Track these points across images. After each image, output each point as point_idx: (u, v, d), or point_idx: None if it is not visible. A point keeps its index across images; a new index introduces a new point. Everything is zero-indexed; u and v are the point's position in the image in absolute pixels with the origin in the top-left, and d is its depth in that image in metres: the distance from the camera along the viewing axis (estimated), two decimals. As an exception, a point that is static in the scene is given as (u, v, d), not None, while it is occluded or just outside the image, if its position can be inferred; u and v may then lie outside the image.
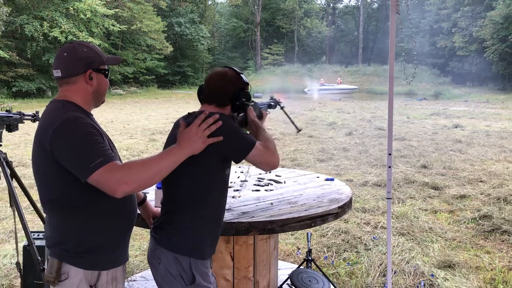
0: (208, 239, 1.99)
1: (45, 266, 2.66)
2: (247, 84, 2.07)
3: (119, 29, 32.54)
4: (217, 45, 56.10)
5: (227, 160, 1.97)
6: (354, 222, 5.11)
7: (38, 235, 3.31)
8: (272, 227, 2.50)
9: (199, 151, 1.81)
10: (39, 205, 2.71)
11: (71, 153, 1.65)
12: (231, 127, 1.91)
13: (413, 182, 6.96)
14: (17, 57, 27.52)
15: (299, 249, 4.45)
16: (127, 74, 35.78)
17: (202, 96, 2.07)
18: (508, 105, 25.73)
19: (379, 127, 14.36)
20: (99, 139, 1.70)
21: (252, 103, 2.28)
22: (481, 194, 6.30)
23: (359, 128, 14.43)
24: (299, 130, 2.76)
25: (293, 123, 2.72)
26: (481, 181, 7.10)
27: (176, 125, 2.02)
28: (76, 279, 1.77)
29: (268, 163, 1.97)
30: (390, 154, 2.85)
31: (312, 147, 10.65)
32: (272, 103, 2.62)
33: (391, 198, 2.89)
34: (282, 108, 2.66)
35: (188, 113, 2.03)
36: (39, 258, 2.78)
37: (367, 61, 56.96)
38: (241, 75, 2.06)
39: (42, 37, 27.95)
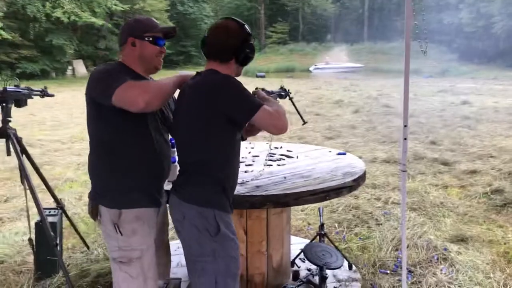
0: (222, 195, 1.98)
1: (57, 242, 2.74)
2: (250, 35, 2.01)
3: (122, 9, 32.23)
4: (221, 24, 55.50)
5: (233, 121, 1.91)
6: (365, 197, 5.08)
7: (50, 211, 3.30)
8: (286, 201, 2.47)
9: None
10: (50, 183, 2.70)
11: (96, 82, 1.93)
12: (237, 88, 1.88)
13: (423, 158, 6.91)
14: (20, 38, 27.36)
15: (309, 224, 4.43)
16: (131, 54, 35.53)
17: (205, 50, 2.02)
18: (516, 81, 25.45)
19: (386, 105, 14.25)
20: (121, 75, 1.92)
21: (265, 91, 2.27)
22: (492, 169, 6.24)
23: (366, 105, 14.32)
24: (305, 122, 2.77)
25: (300, 114, 2.70)
26: (491, 157, 7.04)
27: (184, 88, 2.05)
28: (105, 217, 2.04)
29: (276, 125, 1.91)
30: (406, 126, 2.80)
31: (319, 125, 10.58)
32: (283, 93, 2.58)
33: (406, 171, 2.84)
34: (291, 99, 2.64)
35: (197, 72, 2.05)
36: (52, 234, 2.77)
37: (373, 38, 56.28)
38: (244, 26, 2.00)
39: (44, 18, 27.72)
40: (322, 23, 59.38)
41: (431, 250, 3.68)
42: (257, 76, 33.41)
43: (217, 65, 1.99)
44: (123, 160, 2.02)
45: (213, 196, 1.95)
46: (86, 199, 5.04)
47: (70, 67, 32.04)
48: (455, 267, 3.40)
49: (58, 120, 11.73)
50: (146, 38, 2.07)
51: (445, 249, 3.65)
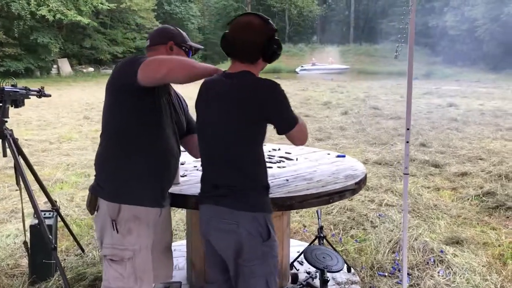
0: (267, 196, 2.03)
1: (55, 245, 2.69)
2: (276, 30, 1.97)
3: (108, 8, 31.91)
4: (207, 24, 55.32)
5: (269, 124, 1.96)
6: (359, 200, 5.09)
7: (45, 214, 3.24)
8: (290, 203, 2.45)
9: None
10: (46, 183, 2.62)
11: (122, 66, 2.02)
12: (285, 97, 1.92)
13: (414, 160, 6.96)
14: (4, 36, 26.95)
15: (305, 226, 4.43)
16: (117, 54, 35.20)
17: (230, 51, 1.96)
18: (499, 84, 25.84)
19: (374, 106, 14.35)
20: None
21: None
22: (482, 171, 6.31)
23: (354, 107, 14.39)
24: None
25: None
26: (480, 159, 7.12)
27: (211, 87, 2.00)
28: (102, 211, 2.02)
29: (303, 140, 2.07)
30: (408, 129, 2.81)
31: (309, 126, 10.44)
32: None
33: (408, 174, 2.85)
34: None
35: (226, 72, 1.98)
36: (50, 236, 2.72)
37: (358, 40, 56.67)
38: (269, 21, 1.96)
39: (29, 16, 27.34)
40: (308, 25, 59.63)
41: (428, 252, 3.69)
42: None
43: (248, 66, 1.94)
44: (131, 153, 2.02)
45: (261, 199, 1.97)
46: (77, 200, 5.02)
47: (55, 66, 31.65)
48: (452, 270, 3.42)
49: (45, 120, 11.55)
50: (183, 47, 2.22)
51: (442, 252, 3.67)
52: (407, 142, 2.79)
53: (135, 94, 1.94)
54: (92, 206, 2.06)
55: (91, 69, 33.83)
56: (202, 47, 2.40)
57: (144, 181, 2.04)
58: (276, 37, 1.95)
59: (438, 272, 3.38)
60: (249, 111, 1.87)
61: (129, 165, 2.02)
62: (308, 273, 3.20)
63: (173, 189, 2.34)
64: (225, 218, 1.94)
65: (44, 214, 3.22)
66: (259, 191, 1.97)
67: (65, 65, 32.10)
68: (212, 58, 53.00)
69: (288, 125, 1.94)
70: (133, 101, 1.97)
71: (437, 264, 3.52)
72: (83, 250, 3.63)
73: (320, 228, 3.43)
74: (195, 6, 48.13)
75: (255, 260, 1.93)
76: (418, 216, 4.61)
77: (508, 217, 4.61)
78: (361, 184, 2.80)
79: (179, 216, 4.53)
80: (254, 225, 1.92)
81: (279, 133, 1.97)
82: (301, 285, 3.02)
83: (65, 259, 3.59)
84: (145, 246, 2.07)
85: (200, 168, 2.91)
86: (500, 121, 11.35)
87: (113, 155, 2.05)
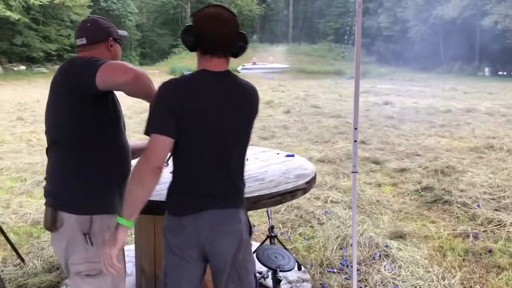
0: None
1: None
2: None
3: (40, 3, 30.50)
4: (146, 22, 54.20)
5: None
6: (305, 197, 5.15)
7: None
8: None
9: None
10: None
11: (78, 68, 1.84)
12: None
13: (355, 157, 7.14)
14: None
15: (254, 226, 4.43)
16: (50, 51, 33.70)
17: (208, 46, 1.79)
18: (430, 83, 27.20)
19: (314, 105, 14.66)
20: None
21: None
22: (419, 167, 6.60)
23: (296, 106, 14.63)
24: None
25: None
26: (417, 155, 7.45)
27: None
28: (68, 226, 1.86)
29: None
30: (356, 129, 2.88)
31: (254, 125, 10.62)
32: None
33: (356, 172, 2.93)
34: None
35: (211, 71, 1.79)
36: None
37: (297, 40, 57.68)
38: (234, 14, 1.87)
39: (-48, 10, 25.64)
40: (248, 24, 59.82)
41: (373, 247, 3.81)
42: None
43: (226, 63, 1.83)
44: (94, 162, 1.89)
45: (244, 197, 1.96)
46: (14, 207, 4.74)
47: (-18, 64, 29.86)
48: (397, 263, 3.55)
49: (-28, 121, 10.87)
50: (118, 41, 2.08)
51: (387, 246, 3.80)
52: (355, 141, 2.85)
53: (94, 99, 1.82)
54: (53, 223, 1.87)
55: (22, 67, 32.13)
56: (127, 33, 2.23)
57: (111, 189, 1.94)
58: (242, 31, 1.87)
59: (385, 267, 3.50)
60: (249, 114, 1.88)
61: (94, 174, 1.90)
62: (260, 273, 3.21)
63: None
64: (233, 218, 1.86)
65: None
66: (244, 190, 1.97)
67: (-7, 63, 30.35)
68: (151, 56, 52.10)
69: None
70: (92, 108, 1.85)
71: (383, 259, 3.63)
72: (22, 260, 3.44)
73: (271, 228, 3.44)
74: (133, 2, 46.97)
75: (248, 256, 1.93)
76: (362, 212, 4.75)
77: (445, 211, 4.85)
78: (311, 183, 2.86)
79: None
80: (246, 220, 1.93)
81: None
82: (253, 286, 3.01)
83: (2, 271, 3.38)
84: (121, 253, 1.99)
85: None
86: (433, 118, 11.94)
87: (74, 166, 1.89)
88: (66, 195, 1.88)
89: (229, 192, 1.88)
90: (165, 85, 1.74)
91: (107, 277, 1.90)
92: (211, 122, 1.77)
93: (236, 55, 1.85)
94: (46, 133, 1.97)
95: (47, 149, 1.98)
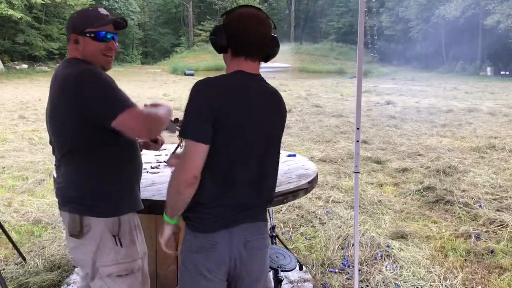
0: None
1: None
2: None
3: (43, 2, 30.51)
4: (148, 21, 54.23)
5: None
6: (306, 197, 5.14)
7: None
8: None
9: None
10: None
11: (90, 101, 1.74)
12: None
13: (357, 157, 7.14)
14: None
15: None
16: (53, 50, 33.74)
17: (244, 48, 1.70)
18: (432, 82, 27.13)
19: (316, 105, 14.65)
20: (117, 92, 1.78)
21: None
22: (421, 167, 6.59)
23: (297, 105, 14.60)
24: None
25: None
26: (419, 155, 7.44)
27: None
28: (97, 230, 1.85)
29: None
30: (358, 129, 2.87)
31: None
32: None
33: (358, 172, 2.92)
34: None
35: (247, 72, 1.71)
36: None
37: (299, 39, 57.62)
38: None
39: (-46, 8, 25.67)
40: (250, 23, 59.76)
41: (375, 247, 3.80)
42: (186, 74, 32.96)
43: (258, 66, 1.76)
44: (115, 163, 1.89)
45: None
46: (16, 205, 4.74)
47: (-16, 63, 29.87)
48: (398, 264, 3.54)
49: (-26, 120, 10.88)
50: (87, 34, 1.86)
51: (388, 246, 3.79)
52: (358, 141, 2.84)
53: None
54: (81, 229, 1.83)
55: (24, 66, 32.16)
56: (120, 20, 1.97)
57: (132, 186, 1.96)
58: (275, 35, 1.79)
59: (386, 267, 3.49)
60: (283, 120, 1.82)
61: (115, 176, 1.89)
62: (261, 273, 3.19)
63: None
64: (263, 233, 1.78)
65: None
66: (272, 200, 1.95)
67: (-5, 62, 30.38)
68: (153, 55, 52.13)
69: None
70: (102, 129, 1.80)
71: (384, 259, 3.63)
72: (24, 259, 3.44)
73: (273, 227, 3.43)
74: (135, 1, 46.98)
75: (266, 272, 1.87)
76: (364, 212, 4.74)
77: (447, 211, 4.84)
78: (313, 183, 2.85)
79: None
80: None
81: None
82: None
83: (4, 269, 3.38)
84: (146, 251, 2.04)
85: (151, 171, 2.86)
86: (435, 118, 11.92)
87: (96, 171, 1.85)
88: (92, 200, 1.85)
89: (261, 203, 1.78)
90: (200, 85, 1.62)
91: (139, 275, 1.93)
92: (247, 126, 1.65)
93: (267, 59, 1.76)
94: (53, 142, 1.92)
95: (59, 158, 1.90)
